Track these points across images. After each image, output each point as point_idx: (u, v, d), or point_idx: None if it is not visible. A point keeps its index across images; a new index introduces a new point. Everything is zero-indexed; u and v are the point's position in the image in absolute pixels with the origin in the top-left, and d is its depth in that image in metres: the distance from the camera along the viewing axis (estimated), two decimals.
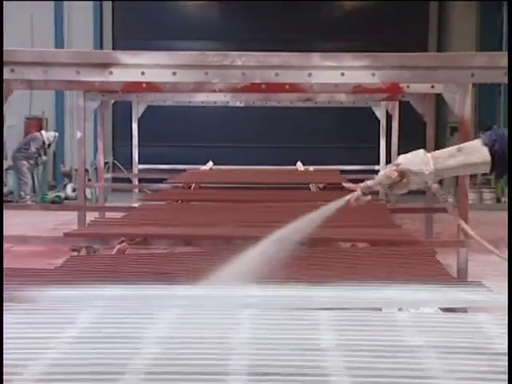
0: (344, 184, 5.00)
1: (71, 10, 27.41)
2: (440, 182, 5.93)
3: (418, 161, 4.23)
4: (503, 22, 25.38)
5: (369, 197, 4.74)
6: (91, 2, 27.56)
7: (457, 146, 4.31)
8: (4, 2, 27.15)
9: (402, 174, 4.23)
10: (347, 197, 4.68)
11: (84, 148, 12.07)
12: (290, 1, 26.61)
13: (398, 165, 4.25)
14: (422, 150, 4.37)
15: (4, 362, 3.66)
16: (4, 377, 3.43)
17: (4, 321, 4.53)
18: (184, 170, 15.67)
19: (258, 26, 25.45)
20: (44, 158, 23.75)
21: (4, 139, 21.83)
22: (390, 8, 27.36)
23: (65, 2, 27.38)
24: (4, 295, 5.18)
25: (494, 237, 11.64)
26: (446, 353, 3.84)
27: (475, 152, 4.19)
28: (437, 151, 4.36)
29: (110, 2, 27.80)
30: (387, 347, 3.98)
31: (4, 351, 3.86)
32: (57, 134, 24.05)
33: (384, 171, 4.29)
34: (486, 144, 4.19)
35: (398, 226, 9.15)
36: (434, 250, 7.41)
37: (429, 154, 4.29)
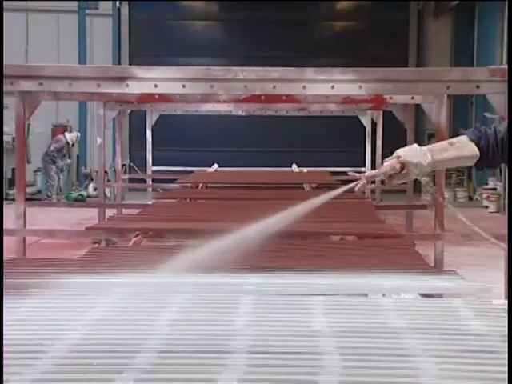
0: (349, 173, 4.96)
1: (93, 29, 27.39)
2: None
3: (416, 153, 4.21)
4: (474, 40, 25.34)
5: (373, 185, 4.73)
6: (110, 23, 27.54)
7: (448, 141, 4.32)
8: (31, 25, 27.01)
9: (403, 166, 4.20)
10: (352, 184, 4.56)
11: (104, 152, 12.06)
12: (286, 21, 26.62)
13: (399, 157, 4.22)
14: (416, 144, 4.38)
15: (31, 341, 3.67)
16: (32, 355, 3.42)
17: (32, 305, 4.52)
18: (192, 172, 15.67)
19: (258, 44, 25.43)
20: (68, 160, 23.72)
21: (32, 144, 21.82)
22: (375, 28, 27.40)
23: (87, 24, 27.35)
24: (32, 282, 5.17)
25: (468, 229, 11.64)
26: (424, 334, 3.83)
27: (465, 147, 4.22)
28: (430, 145, 4.35)
29: (127, 23, 27.78)
30: (372, 329, 3.97)
31: (32, 332, 3.85)
32: (79, 134, 24.05)
33: (388, 162, 4.24)
34: (472, 140, 4.21)
35: (382, 221, 9.14)
36: (413, 243, 7.40)
37: (424, 148, 4.28)
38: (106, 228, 9.09)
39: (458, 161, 4.30)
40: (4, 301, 4.60)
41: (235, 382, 3.05)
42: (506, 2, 18.76)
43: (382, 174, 4.29)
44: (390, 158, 4.26)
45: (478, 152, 4.19)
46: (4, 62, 6.47)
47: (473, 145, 4.21)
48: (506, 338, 3.57)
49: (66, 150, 23.57)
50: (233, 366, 3.26)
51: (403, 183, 5.00)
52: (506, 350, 3.41)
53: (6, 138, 25.34)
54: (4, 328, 3.94)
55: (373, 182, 4.67)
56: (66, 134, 23.82)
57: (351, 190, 4.66)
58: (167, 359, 3.38)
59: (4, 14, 26.19)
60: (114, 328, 3.90)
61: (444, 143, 4.33)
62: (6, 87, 6.34)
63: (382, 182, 4.51)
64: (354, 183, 4.55)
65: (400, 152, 4.23)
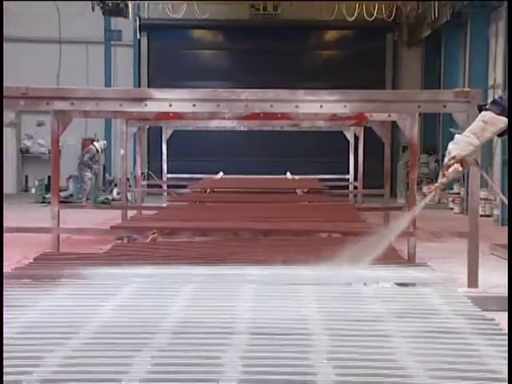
0: (425, 190, 4.77)
1: (116, 57, 27.39)
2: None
3: (464, 144, 4.07)
4: (441, 66, 25.31)
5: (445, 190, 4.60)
6: (132, 52, 27.56)
7: (481, 120, 4.17)
8: (64, 54, 26.64)
9: (461, 162, 4.06)
10: (430, 196, 4.43)
11: (126, 162, 12.05)
12: (281, 50, 26.69)
13: (454, 157, 4.06)
14: (457, 135, 4.22)
15: (57, 324, 3.66)
16: (63, 335, 3.41)
17: (64, 292, 4.51)
18: (201, 179, 15.64)
19: (257, 70, 25.43)
20: (95, 167, 23.73)
21: (64, 155, 21.77)
22: (357, 56, 27.44)
23: (112, 53, 27.38)
24: (64, 273, 5.16)
25: (437, 228, 11.61)
26: (400, 317, 3.82)
27: (497, 121, 4.09)
28: (467, 130, 4.20)
29: (146, 52, 27.83)
30: (355, 313, 3.96)
31: (64, 315, 3.84)
32: (105, 142, 24.04)
33: (451, 168, 4.05)
34: (498, 114, 4.09)
35: (364, 221, 9.12)
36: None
37: (467, 135, 4.13)
38: (127, 227, 9.10)
39: (495, 134, 4.17)
40: (40, 289, 4.59)
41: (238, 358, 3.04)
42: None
43: (451, 180, 4.19)
44: (446, 162, 4.09)
45: (505, 122, 4.07)
46: (39, 86, 6.46)
47: (501, 117, 4.08)
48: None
49: (97, 157, 23.63)
50: (236, 344, 3.26)
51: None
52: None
53: (43, 149, 25.46)
54: (40, 312, 3.93)
55: (443, 189, 4.55)
56: (95, 143, 23.83)
57: (431, 201, 4.56)
58: (179, 339, 3.38)
59: (39, 44, 26.26)
60: (133, 313, 3.89)
61: (479, 123, 4.16)
62: (43, 107, 6.34)
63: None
64: (432, 194, 4.44)
65: (453, 152, 4.06)
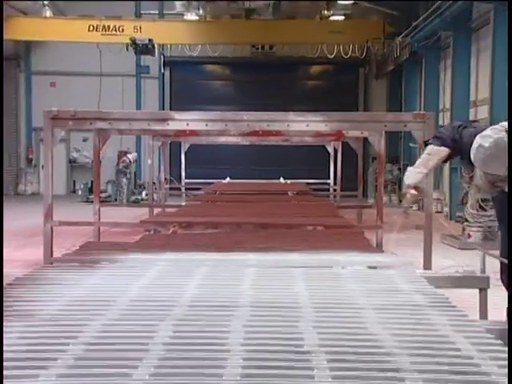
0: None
1: (145, 87, 27.49)
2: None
3: (414, 175, 4.12)
4: (402, 94, 25.37)
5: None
6: (157, 82, 27.63)
7: (426, 154, 4.20)
8: (104, 84, 26.48)
9: (416, 188, 4.12)
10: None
11: (152, 169, 12.08)
12: (275, 81, 26.76)
13: (409, 185, 4.15)
14: (409, 168, 4.28)
15: (91, 297, 3.66)
16: (102, 307, 3.40)
17: (102, 273, 4.51)
18: (212, 183, 15.60)
19: (257, 96, 25.50)
20: (128, 174, 23.77)
21: (104, 164, 21.77)
22: (336, 85, 27.57)
23: (142, 83, 27.46)
24: (104, 258, 5.16)
25: (399, 222, 11.56)
26: (370, 293, 3.82)
27: (439, 151, 4.12)
28: (417, 162, 4.22)
29: (169, 82, 27.90)
30: (335, 290, 3.96)
31: (96, 293, 3.83)
32: (136, 154, 24.09)
33: (408, 195, 4.17)
34: (440, 145, 4.12)
35: (342, 216, 9.10)
36: (362, 231, 7.37)
37: (417, 166, 4.17)
38: (153, 221, 9.09)
39: (441, 160, 4.18)
40: (84, 271, 4.59)
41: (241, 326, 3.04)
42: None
43: (412, 203, 4.23)
44: (404, 190, 4.21)
45: (446, 151, 4.09)
46: (84, 110, 6.44)
47: (442, 148, 4.09)
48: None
49: (130, 166, 23.71)
50: (240, 317, 3.24)
51: None
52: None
53: (87, 160, 25.53)
54: (83, 289, 3.92)
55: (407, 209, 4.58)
56: (128, 155, 23.89)
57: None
58: (193, 312, 3.37)
59: (84, 77, 26.34)
60: (158, 289, 3.89)
61: (425, 156, 4.17)
62: (87, 126, 6.32)
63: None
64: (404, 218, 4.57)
65: (407, 181, 4.12)
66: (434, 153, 4.13)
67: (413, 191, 4.11)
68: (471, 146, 3.87)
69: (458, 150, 4.13)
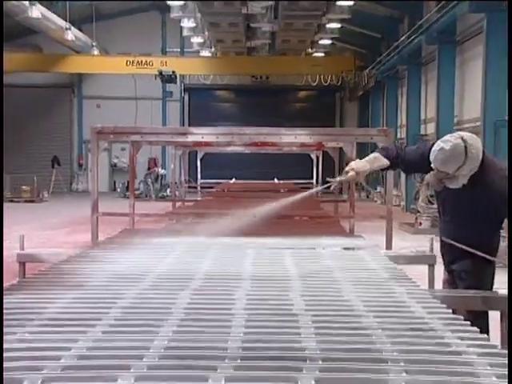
0: (328, 179, 4.55)
1: (169, 108, 27.44)
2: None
3: (361, 164, 3.89)
4: (369, 113, 25.36)
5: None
6: (179, 104, 27.60)
7: (373, 156, 4.01)
8: (139, 106, 26.25)
9: (357, 173, 3.84)
10: (327, 185, 4.33)
11: (175, 172, 12.04)
12: (271, 103, 26.74)
13: (353, 168, 3.85)
14: (358, 159, 4.05)
15: (128, 272, 3.61)
16: (136, 279, 3.39)
17: (135, 253, 4.48)
18: (221, 183, 15.58)
19: (256, 115, 25.33)
20: (154, 177, 23.80)
21: (137, 167, 21.74)
22: (318, 106, 27.54)
23: (167, 105, 27.44)
24: (137, 240, 5.14)
25: (367, 213, 11.53)
26: (345, 270, 3.80)
27: (382, 160, 3.93)
28: (365, 158, 3.99)
29: (188, 104, 27.88)
30: (317, 266, 3.94)
31: (132, 268, 3.82)
32: (165, 170, 23.93)
33: (349, 174, 3.85)
34: (383, 156, 3.95)
35: (322, 209, 9.11)
36: (338, 220, 7.36)
37: (364, 160, 3.95)
38: (176, 212, 9.08)
39: (380, 167, 4.02)
40: (122, 251, 4.58)
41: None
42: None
43: (346, 180, 4.01)
44: (346, 168, 3.92)
45: (387, 162, 3.93)
46: (122, 125, 6.44)
47: (385, 159, 3.94)
48: None
49: (156, 175, 23.58)
50: (243, 287, 3.24)
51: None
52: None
53: (124, 165, 25.45)
54: (121, 266, 3.91)
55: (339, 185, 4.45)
56: (160, 169, 23.95)
57: (327, 188, 4.49)
58: (208, 283, 3.36)
59: (121, 100, 26.39)
60: (179, 268, 3.87)
61: (371, 157, 4.00)
62: (124, 139, 6.34)
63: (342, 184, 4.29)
64: (328, 184, 4.37)
65: (353, 165, 3.88)
66: (378, 159, 3.96)
67: (353, 173, 3.87)
68: (413, 161, 3.93)
69: (400, 164, 4.01)
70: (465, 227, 3.84)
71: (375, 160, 3.98)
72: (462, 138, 3.63)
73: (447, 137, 3.73)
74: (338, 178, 4.27)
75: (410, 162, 3.97)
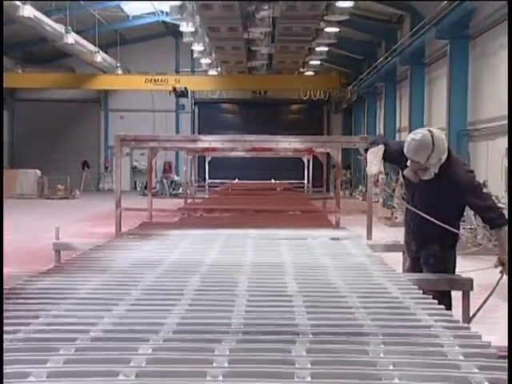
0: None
1: (182, 119, 27.40)
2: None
3: (373, 167, 3.66)
4: (352, 124, 25.36)
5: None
6: (190, 116, 27.56)
7: (369, 156, 3.79)
8: (156, 118, 26.15)
9: (381, 171, 3.64)
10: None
11: (186, 173, 12.03)
12: (268, 115, 26.70)
13: (374, 175, 3.66)
14: (368, 168, 3.76)
15: (146, 258, 3.63)
16: (152, 265, 3.39)
17: (152, 243, 4.48)
18: (225, 182, 15.55)
19: (256, 125, 25.14)
20: (175, 177, 23.73)
21: (154, 170, 21.73)
22: (308, 118, 27.47)
23: (180, 117, 27.42)
24: (154, 232, 5.14)
25: (350, 208, 11.50)
26: (332, 257, 3.80)
27: (378, 149, 3.73)
28: (368, 165, 3.74)
29: (198, 116, 27.83)
30: (308, 254, 3.94)
31: (149, 256, 3.81)
32: (179, 177, 23.69)
33: (380, 179, 3.67)
34: (378, 145, 3.79)
35: (312, 205, 9.09)
36: (326, 215, 7.34)
37: (370, 165, 3.70)
38: (187, 208, 9.04)
39: (381, 159, 3.71)
40: (141, 241, 4.57)
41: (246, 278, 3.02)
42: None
43: (382, 184, 3.83)
44: (373, 179, 3.68)
45: (383, 148, 3.75)
46: (137, 133, 6.44)
47: (380, 146, 3.75)
48: None
49: (171, 179, 23.52)
50: (245, 273, 3.22)
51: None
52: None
53: (143, 167, 25.34)
54: (140, 253, 3.90)
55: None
56: (175, 176, 23.87)
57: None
58: (215, 269, 3.35)
59: (141, 112, 26.43)
60: (189, 256, 3.87)
61: (370, 158, 3.75)
62: (143, 145, 6.33)
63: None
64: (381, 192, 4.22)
65: (373, 171, 3.64)
66: (376, 152, 3.75)
67: (382, 176, 3.69)
68: (394, 153, 3.78)
69: (388, 153, 3.80)
70: (433, 216, 3.74)
71: (374, 156, 3.75)
72: (429, 130, 3.65)
73: (417, 130, 3.73)
74: (381, 189, 4.06)
75: (392, 152, 3.82)
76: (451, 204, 3.73)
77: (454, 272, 3.76)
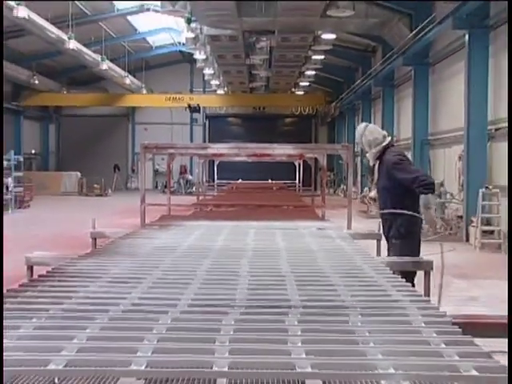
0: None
1: (195, 131, 27.34)
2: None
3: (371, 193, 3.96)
4: (335, 134, 25.30)
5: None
6: (201, 128, 27.48)
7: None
8: (174, 130, 26.03)
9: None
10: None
11: (198, 175, 11.97)
12: (266, 127, 26.61)
13: (371, 198, 4.00)
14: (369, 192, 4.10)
15: (166, 245, 3.60)
16: (170, 249, 3.37)
17: (171, 232, 4.45)
18: (231, 182, 15.50)
19: (256, 135, 25.12)
20: (190, 177, 23.62)
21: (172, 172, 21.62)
22: (299, 129, 27.36)
23: (194, 129, 27.35)
24: (171, 223, 5.12)
25: (334, 204, 11.45)
26: (319, 244, 3.78)
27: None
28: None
29: (208, 128, 27.74)
30: (298, 241, 3.92)
31: (163, 242, 3.78)
32: (192, 177, 23.54)
33: (372, 203, 4.07)
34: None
35: (302, 201, 9.06)
36: (314, 209, 7.32)
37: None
38: (199, 203, 8.98)
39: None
40: (161, 230, 4.56)
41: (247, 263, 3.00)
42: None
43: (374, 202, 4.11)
44: (370, 200, 4.04)
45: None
46: (158, 142, 6.40)
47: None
48: None
49: (186, 179, 23.43)
50: (247, 257, 3.21)
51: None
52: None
53: (163, 170, 25.30)
54: (160, 241, 3.89)
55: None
56: (189, 175, 23.75)
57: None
58: (222, 253, 3.33)
59: (162, 125, 26.39)
60: (201, 243, 3.85)
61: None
62: (163, 151, 6.29)
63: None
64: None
65: (371, 195, 3.92)
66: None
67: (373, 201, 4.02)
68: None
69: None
70: (387, 197, 3.75)
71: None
72: (364, 124, 3.93)
73: (361, 125, 3.98)
74: (372, 205, 4.41)
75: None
76: (394, 185, 3.64)
77: (418, 254, 3.69)
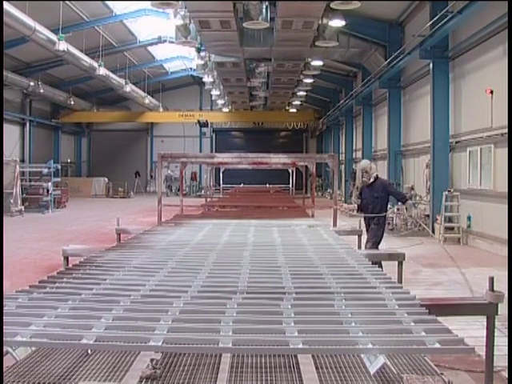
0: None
1: (203, 142, 27.24)
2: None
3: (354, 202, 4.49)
4: (323, 145, 25.25)
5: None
6: (209, 140, 27.43)
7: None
8: (186, 142, 25.87)
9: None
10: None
11: (207, 180, 11.96)
12: (264, 140, 26.53)
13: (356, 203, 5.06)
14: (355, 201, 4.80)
15: (179, 239, 3.61)
16: (181, 246, 3.36)
17: (182, 229, 4.42)
18: (234, 186, 15.45)
19: (255, 146, 25.05)
20: (196, 183, 23.50)
21: (184, 178, 21.54)
22: (293, 142, 27.30)
23: (202, 141, 27.26)
24: (183, 222, 5.10)
25: (322, 204, 11.44)
26: (309, 239, 3.77)
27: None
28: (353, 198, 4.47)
29: (215, 140, 27.68)
30: (292, 237, 3.91)
31: (177, 237, 3.78)
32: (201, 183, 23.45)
33: (355, 207, 4.93)
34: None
35: (295, 202, 9.04)
36: (305, 209, 7.30)
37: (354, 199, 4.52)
38: (207, 204, 8.96)
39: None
40: (175, 227, 4.54)
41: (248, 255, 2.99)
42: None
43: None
44: (354, 206, 4.71)
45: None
46: (175, 152, 6.39)
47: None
48: None
49: (198, 181, 23.36)
50: (248, 250, 3.20)
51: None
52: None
53: (177, 176, 25.23)
54: (174, 236, 3.87)
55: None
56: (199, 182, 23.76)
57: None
58: (227, 247, 3.33)
59: (175, 138, 26.35)
60: (209, 238, 3.85)
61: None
62: (177, 160, 6.26)
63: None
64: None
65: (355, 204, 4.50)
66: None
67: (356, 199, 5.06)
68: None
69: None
70: (375, 205, 5.07)
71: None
72: (370, 161, 5.27)
73: (364, 160, 5.00)
74: (355, 207, 5.04)
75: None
76: (382, 195, 5.06)
77: (381, 239, 4.98)
